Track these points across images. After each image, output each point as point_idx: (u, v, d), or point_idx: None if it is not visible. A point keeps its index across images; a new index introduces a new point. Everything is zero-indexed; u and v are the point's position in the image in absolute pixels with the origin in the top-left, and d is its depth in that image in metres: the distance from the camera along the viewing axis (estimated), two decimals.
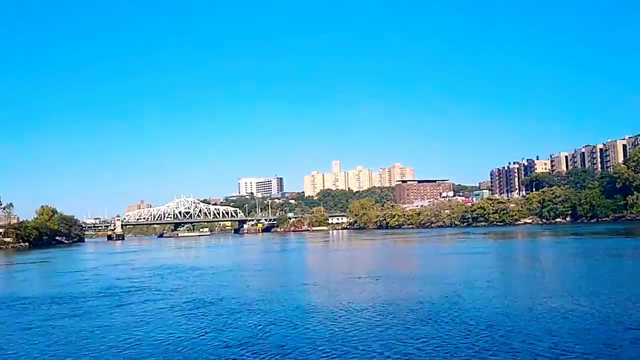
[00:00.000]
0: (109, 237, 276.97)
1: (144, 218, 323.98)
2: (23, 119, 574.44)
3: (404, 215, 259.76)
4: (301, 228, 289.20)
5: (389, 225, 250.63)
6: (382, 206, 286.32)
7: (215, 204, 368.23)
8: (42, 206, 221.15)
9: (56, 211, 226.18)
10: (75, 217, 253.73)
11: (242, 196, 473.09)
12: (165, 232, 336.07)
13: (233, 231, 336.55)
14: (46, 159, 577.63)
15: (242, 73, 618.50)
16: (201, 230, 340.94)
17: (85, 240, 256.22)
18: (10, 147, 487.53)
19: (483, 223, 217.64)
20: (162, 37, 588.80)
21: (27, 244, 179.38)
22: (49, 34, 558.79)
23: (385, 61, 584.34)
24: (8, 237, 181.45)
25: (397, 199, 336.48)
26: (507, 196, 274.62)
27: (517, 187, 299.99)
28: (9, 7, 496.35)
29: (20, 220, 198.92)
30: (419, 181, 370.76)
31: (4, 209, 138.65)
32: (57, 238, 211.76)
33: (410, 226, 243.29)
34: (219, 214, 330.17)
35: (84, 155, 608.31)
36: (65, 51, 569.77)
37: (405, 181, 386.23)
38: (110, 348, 21.45)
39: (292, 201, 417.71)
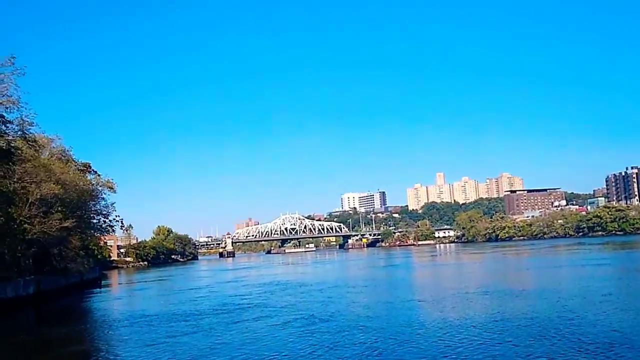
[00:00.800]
0: (221, 255, 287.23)
1: (252, 235, 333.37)
2: (141, 144, 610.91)
3: (515, 226, 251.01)
4: (407, 242, 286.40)
5: (499, 237, 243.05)
6: (491, 218, 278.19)
7: (319, 220, 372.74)
8: (158, 226, 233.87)
9: (171, 231, 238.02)
10: (189, 236, 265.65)
11: (345, 211, 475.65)
12: (272, 248, 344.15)
13: (338, 246, 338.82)
14: (162, 181, 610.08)
15: (346, 89, 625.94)
16: (307, 246, 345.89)
17: (199, 257, 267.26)
18: (129, 172, 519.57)
19: (600, 233, 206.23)
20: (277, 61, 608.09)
21: (145, 262, 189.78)
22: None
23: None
24: (129, 256, 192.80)
25: (506, 210, 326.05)
26: (626, 203, 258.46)
27: (636, 193, 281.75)
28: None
29: (139, 240, 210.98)
30: (529, 191, 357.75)
31: (125, 231, 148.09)
32: (172, 256, 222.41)
33: (522, 238, 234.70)
34: (323, 229, 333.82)
35: (196, 175, 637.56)
36: (171, 79, 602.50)
37: (514, 191, 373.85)
38: None
39: (396, 215, 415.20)
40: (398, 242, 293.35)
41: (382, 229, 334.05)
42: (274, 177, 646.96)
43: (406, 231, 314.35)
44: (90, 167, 79.58)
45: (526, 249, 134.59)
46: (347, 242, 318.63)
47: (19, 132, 42.10)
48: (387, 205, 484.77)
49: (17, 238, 50.21)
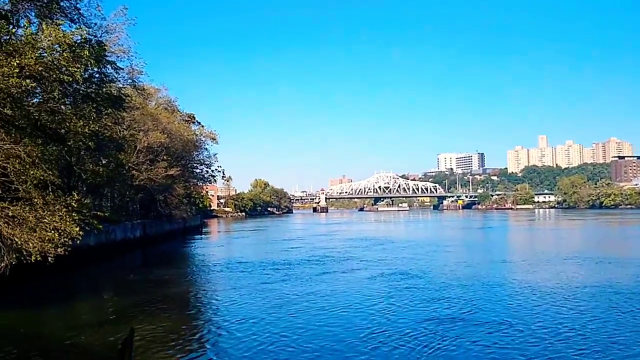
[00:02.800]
0: (314, 210, 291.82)
1: (346, 192, 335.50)
2: (240, 98, 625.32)
3: (622, 194, 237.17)
4: (504, 206, 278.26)
5: (603, 204, 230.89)
6: (595, 184, 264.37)
7: (413, 180, 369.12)
8: (256, 179, 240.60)
9: (268, 184, 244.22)
10: (284, 190, 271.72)
11: (441, 172, 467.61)
12: (365, 206, 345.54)
13: (432, 207, 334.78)
14: (260, 136, 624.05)
15: (445, 46, 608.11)
16: (400, 205, 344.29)
17: (293, 211, 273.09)
18: (229, 125, 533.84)
19: None
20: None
21: (243, 213, 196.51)
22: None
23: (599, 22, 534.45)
24: (228, 207, 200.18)
25: (612, 177, 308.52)
26: None
27: None
28: None
29: (238, 192, 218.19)
30: (639, 157, 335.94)
31: (225, 181, 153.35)
32: (268, 209, 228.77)
33: (629, 206, 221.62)
34: (417, 189, 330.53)
35: (293, 131, 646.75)
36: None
37: (622, 157, 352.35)
38: (320, 312, 22.66)
39: (494, 177, 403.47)
40: (495, 205, 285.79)
41: (479, 191, 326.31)
42: (369, 135, 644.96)
43: (504, 194, 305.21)
44: (194, 118, 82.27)
45: (633, 218, 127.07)
46: (442, 203, 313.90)
47: (128, 81, 43.99)
48: (485, 167, 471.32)
49: (126, 183, 52.98)
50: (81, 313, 23.74)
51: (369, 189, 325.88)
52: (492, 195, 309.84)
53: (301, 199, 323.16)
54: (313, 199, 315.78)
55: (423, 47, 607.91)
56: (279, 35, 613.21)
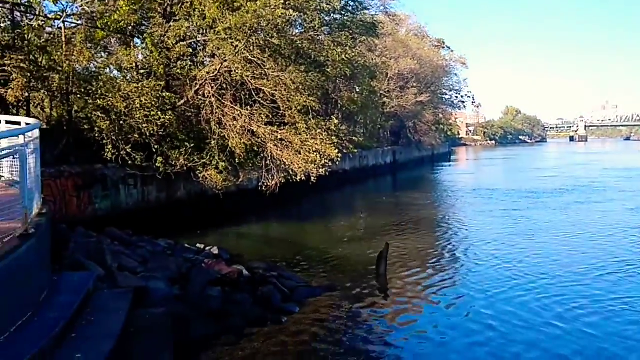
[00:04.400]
0: (571, 139, 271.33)
1: (609, 120, 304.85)
2: (491, 19, 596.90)
3: None
4: None
5: None
6: None
7: None
8: (507, 106, 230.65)
9: (520, 111, 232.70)
10: (537, 118, 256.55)
11: None
12: (632, 135, 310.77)
13: None
14: (511, 61, 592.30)
15: None
16: None
17: (547, 140, 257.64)
18: (478, 49, 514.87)
19: None
20: None
21: (492, 142, 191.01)
22: None
23: None
24: (477, 135, 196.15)
25: None
26: None
27: None
28: None
29: (487, 119, 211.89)
30: None
31: (476, 108, 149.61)
32: (520, 137, 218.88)
33: None
34: None
35: (548, 56, 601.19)
36: None
37: None
38: (577, 242, 21.40)
39: None
40: None
41: None
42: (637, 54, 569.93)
43: None
44: (443, 43, 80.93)
45: None
46: None
47: (381, 8, 44.76)
48: None
49: (377, 110, 54.80)
50: (338, 228, 25.72)
51: (639, 115, 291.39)
52: None
53: (556, 127, 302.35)
54: (570, 127, 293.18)
55: None
56: None
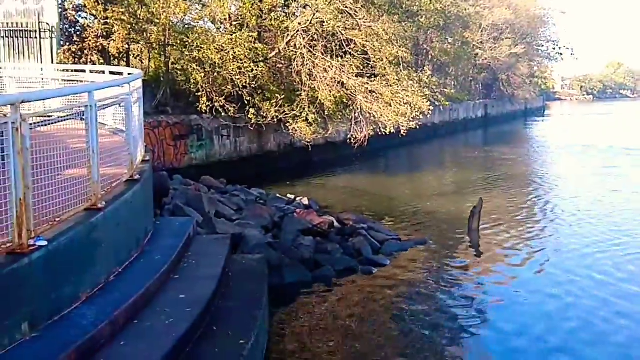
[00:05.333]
0: None
1: None
2: None
3: None
4: None
5: None
6: None
7: None
8: (608, 60, 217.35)
9: (622, 64, 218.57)
10: None
11: None
12: None
13: None
14: (612, 11, 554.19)
15: None
16: None
17: None
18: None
19: None
20: None
21: (590, 96, 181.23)
22: None
23: None
24: (573, 89, 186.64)
25: None
26: None
27: None
28: None
29: (584, 73, 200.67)
30: None
31: (573, 61, 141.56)
32: (621, 91, 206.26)
33: None
34: None
35: None
36: None
37: None
38: None
39: None
40: None
41: None
42: None
43: None
44: None
45: None
46: None
47: None
48: None
49: (469, 62, 53.11)
50: (426, 182, 25.44)
51: None
52: None
53: None
54: None
55: None
56: None
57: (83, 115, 6.87)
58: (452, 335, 9.45)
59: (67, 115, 7.02)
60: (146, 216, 9.16)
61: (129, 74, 12.15)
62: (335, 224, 14.22)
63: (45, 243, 5.65)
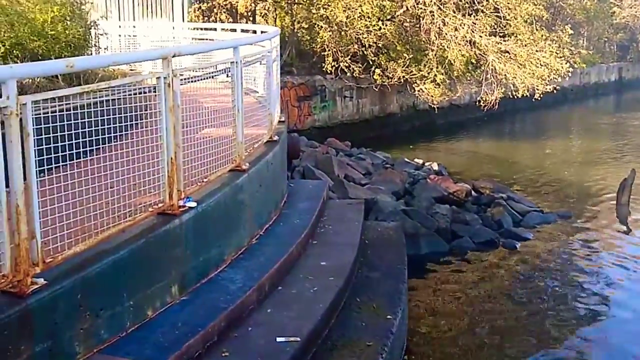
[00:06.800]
0: None
1: None
2: None
3: None
4: None
5: None
6: None
7: None
8: None
9: None
10: None
11: None
12: None
13: None
14: None
15: None
16: None
17: None
18: None
19: None
20: None
21: None
22: None
23: None
24: None
25: None
26: None
27: None
28: None
29: None
30: None
31: None
32: None
33: None
34: None
35: None
36: None
37: None
38: None
39: None
40: None
41: None
42: None
43: None
44: None
45: None
46: None
47: None
48: None
49: (605, 21, 48.98)
50: (559, 149, 23.72)
51: None
52: None
53: None
54: None
55: None
56: None
57: (228, 72, 6.63)
58: (596, 320, 8.55)
59: (211, 73, 6.78)
60: (283, 178, 8.93)
61: (262, 32, 11.90)
62: (472, 192, 13.42)
63: (194, 204, 5.49)
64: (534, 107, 25.89)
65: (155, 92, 5.04)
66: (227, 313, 5.13)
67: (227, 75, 6.77)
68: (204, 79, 6.45)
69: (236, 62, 6.54)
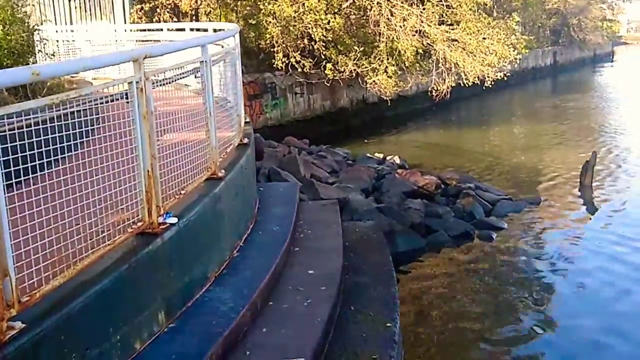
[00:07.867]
0: None
1: None
2: None
3: None
4: None
5: None
6: None
7: None
8: None
9: None
10: None
11: None
12: None
13: None
14: None
15: None
16: None
17: None
18: None
19: None
20: None
21: None
22: None
23: None
24: (638, 32, 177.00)
25: None
26: None
27: None
28: None
29: None
30: None
31: None
32: None
33: None
34: None
35: None
36: None
37: None
38: None
39: None
40: None
41: None
42: None
43: None
44: None
45: None
46: None
47: None
48: None
49: (538, 7, 50.17)
50: (495, 135, 24.14)
51: None
52: None
53: None
54: None
55: None
56: None
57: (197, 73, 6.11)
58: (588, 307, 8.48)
59: (180, 75, 6.21)
60: (254, 183, 8.46)
61: (214, 30, 11.34)
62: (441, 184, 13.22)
63: (175, 220, 4.95)
64: (478, 93, 26.26)
65: (126, 98, 4.50)
66: (222, 339, 4.64)
67: (196, 76, 6.25)
68: (174, 81, 5.88)
69: (205, 62, 6.05)
